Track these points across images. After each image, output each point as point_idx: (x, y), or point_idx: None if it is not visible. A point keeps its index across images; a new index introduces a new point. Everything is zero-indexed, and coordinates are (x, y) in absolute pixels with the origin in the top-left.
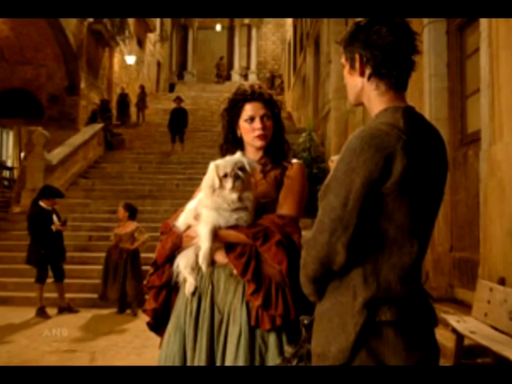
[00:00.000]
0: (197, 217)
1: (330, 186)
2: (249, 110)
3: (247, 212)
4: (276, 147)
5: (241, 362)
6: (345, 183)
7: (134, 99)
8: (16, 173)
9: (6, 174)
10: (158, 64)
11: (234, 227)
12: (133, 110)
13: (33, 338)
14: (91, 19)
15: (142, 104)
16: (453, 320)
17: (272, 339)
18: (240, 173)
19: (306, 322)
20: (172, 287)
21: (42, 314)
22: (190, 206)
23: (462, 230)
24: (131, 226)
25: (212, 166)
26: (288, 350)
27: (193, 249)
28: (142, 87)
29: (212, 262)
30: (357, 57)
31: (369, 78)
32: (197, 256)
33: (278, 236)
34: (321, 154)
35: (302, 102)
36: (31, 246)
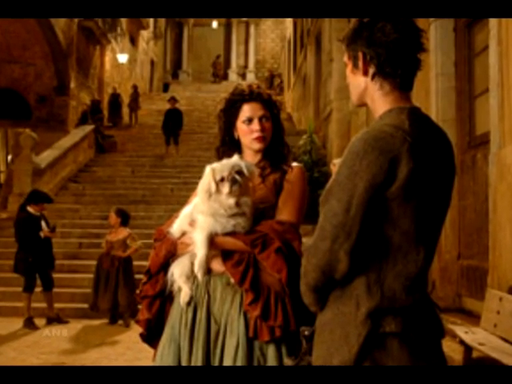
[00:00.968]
0: (192, 223)
1: (332, 191)
2: (247, 110)
3: (245, 218)
4: (275, 150)
5: None
6: (347, 188)
7: (126, 99)
8: (2, 177)
9: None
10: (152, 63)
11: (232, 234)
12: (125, 110)
13: (20, 349)
14: None
15: (134, 105)
16: (461, 331)
17: (271, 351)
18: (237, 177)
19: (306, 333)
20: (166, 297)
21: (29, 324)
22: (185, 211)
23: (471, 237)
24: (123, 232)
25: (208, 169)
26: (288, 362)
27: (188, 256)
28: (135, 87)
29: (208, 271)
30: (360, 55)
31: (372, 78)
32: (192, 264)
33: (278, 243)
34: (322, 157)
35: (302, 102)
36: (18, 253)
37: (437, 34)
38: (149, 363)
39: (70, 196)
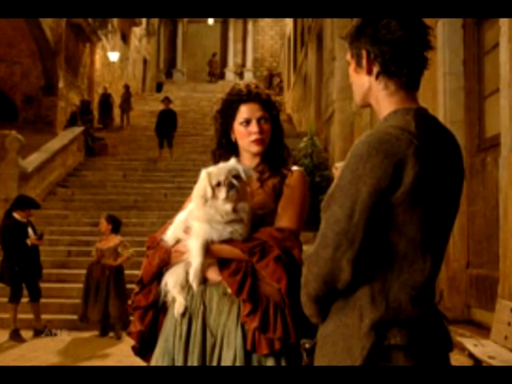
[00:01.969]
0: (187, 230)
1: (334, 196)
2: (244, 111)
3: (242, 224)
4: (274, 153)
5: None
6: (350, 193)
7: (117, 100)
8: None
9: None
10: (145, 61)
11: (228, 241)
12: (116, 111)
13: (6, 363)
14: None
15: (126, 105)
16: (470, 344)
17: (270, 365)
18: (234, 181)
19: (307, 346)
20: (159, 308)
21: (16, 337)
22: (180, 217)
23: (480, 245)
24: (114, 240)
25: (204, 173)
26: None
27: (182, 265)
28: (127, 87)
29: (204, 280)
30: (364, 53)
31: (377, 77)
32: (187, 273)
33: (277, 251)
34: (324, 160)
35: (303, 103)
36: (4, 261)
37: (444, 31)
38: None
39: (59, 201)
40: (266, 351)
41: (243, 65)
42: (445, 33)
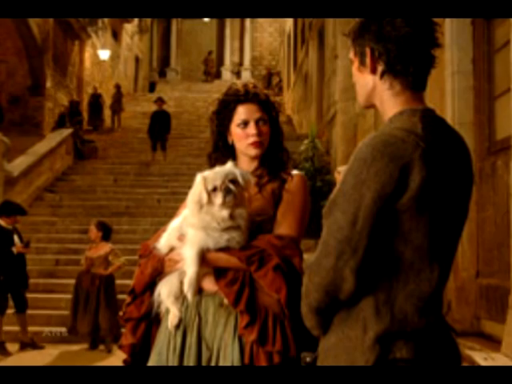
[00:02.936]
0: (181, 237)
1: (337, 202)
2: (242, 113)
3: (240, 232)
4: (273, 156)
5: None
6: (353, 198)
7: (108, 100)
8: None
9: None
10: (137, 59)
11: (225, 249)
12: (107, 113)
13: None
14: None
15: (117, 106)
16: (479, 357)
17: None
18: (231, 186)
19: (308, 359)
20: (152, 319)
21: (1, 350)
22: (174, 224)
23: (490, 253)
24: (105, 248)
25: (199, 178)
26: None
27: (177, 275)
28: (118, 86)
29: (199, 290)
30: (367, 51)
31: (381, 76)
32: (181, 283)
33: (276, 260)
34: (325, 164)
35: (303, 103)
36: None
37: (453, 27)
38: None
39: (46, 207)
40: (264, 365)
41: (240, 63)
42: (453, 30)
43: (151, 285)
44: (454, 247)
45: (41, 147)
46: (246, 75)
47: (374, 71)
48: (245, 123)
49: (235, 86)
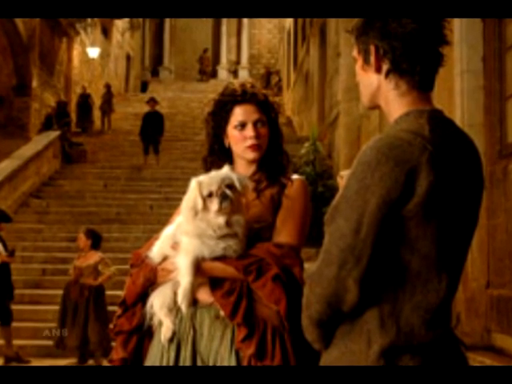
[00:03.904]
0: (175, 246)
1: (339, 208)
2: (239, 114)
3: (237, 240)
4: (272, 160)
5: None
6: (357, 204)
7: (97, 101)
8: None
9: None
10: (128, 58)
11: (221, 258)
12: (96, 114)
13: None
14: None
15: (107, 107)
16: None
17: None
18: (228, 192)
19: None
20: (145, 332)
21: None
22: (167, 232)
23: (502, 262)
24: (94, 256)
25: (194, 183)
26: None
27: (170, 285)
28: (108, 86)
29: (194, 302)
30: (372, 49)
31: (386, 75)
32: (175, 294)
33: (275, 269)
34: (327, 168)
35: (304, 104)
36: None
37: (462, 24)
38: None
39: (32, 214)
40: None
41: (238, 62)
42: (462, 26)
43: (143, 296)
44: (463, 256)
45: (26, 150)
46: (244, 74)
47: (378, 70)
48: (242, 125)
49: (232, 85)
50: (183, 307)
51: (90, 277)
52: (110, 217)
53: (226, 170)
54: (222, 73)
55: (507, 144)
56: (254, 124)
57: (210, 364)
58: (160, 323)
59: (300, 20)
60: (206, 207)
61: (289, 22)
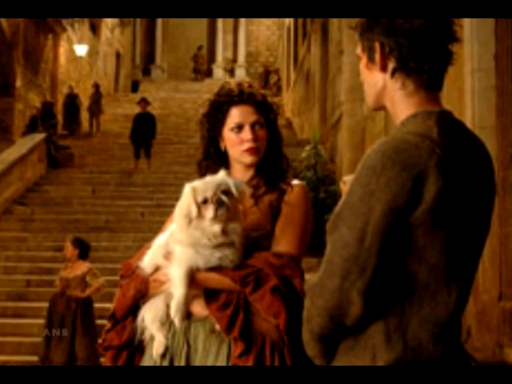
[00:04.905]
0: (168, 255)
1: (342, 216)
2: (236, 115)
3: (233, 249)
4: (271, 164)
5: None
6: (361, 212)
7: (85, 102)
8: None
9: None
10: (118, 56)
11: (217, 269)
12: (84, 115)
13: None
14: None
15: (96, 108)
16: None
17: None
18: (224, 198)
19: None
20: (135, 347)
21: None
22: (159, 241)
23: None
24: (82, 267)
25: (188, 188)
26: None
27: (163, 297)
28: (97, 86)
29: (188, 315)
30: (377, 46)
31: (392, 74)
32: (168, 307)
33: (274, 280)
34: (330, 173)
35: (305, 105)
36: None
37: (472, 20)
38: None
39: (16, 222)
40: None
41: (234, 60)
42: (473, 23)
43: (134, 309)
44: (473, 266)
45: (10, 154)
46: (241, 73)
47: (384, 69)
48: (239, 127)
49: (228, 85)
50: (176, 321)
51: (78, 288)
52: (99, 225)
53: (221, 174)
54: (218, 72)
55: None
56: (252, 126)
57: None
58: (152, 338)
59: None
60: (200, 214)
61: (288, 18)
